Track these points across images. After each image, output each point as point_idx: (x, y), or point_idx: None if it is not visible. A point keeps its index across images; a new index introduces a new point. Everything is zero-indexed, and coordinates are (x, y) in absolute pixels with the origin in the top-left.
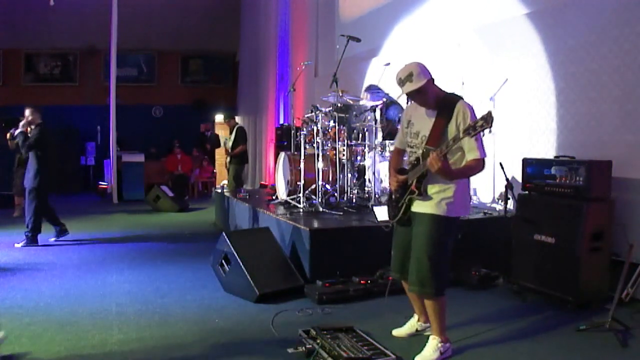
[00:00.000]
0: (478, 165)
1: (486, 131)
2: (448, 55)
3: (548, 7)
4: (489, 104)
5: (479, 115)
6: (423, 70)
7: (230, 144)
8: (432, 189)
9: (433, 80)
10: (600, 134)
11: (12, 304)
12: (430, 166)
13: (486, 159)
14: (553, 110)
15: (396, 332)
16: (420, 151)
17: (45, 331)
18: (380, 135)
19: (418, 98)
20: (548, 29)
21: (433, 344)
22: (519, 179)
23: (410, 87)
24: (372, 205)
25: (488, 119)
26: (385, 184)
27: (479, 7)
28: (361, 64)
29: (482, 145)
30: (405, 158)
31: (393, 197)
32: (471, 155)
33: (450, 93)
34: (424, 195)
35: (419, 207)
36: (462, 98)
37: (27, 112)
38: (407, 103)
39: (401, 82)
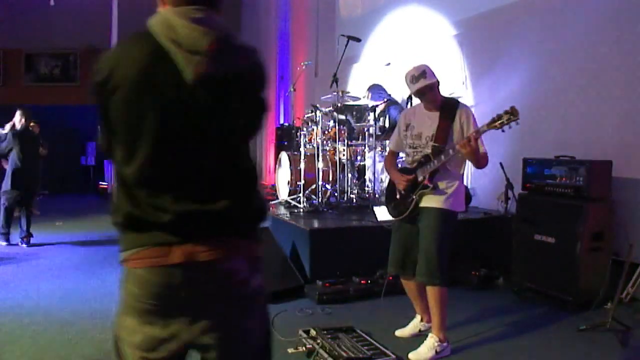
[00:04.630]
0: (486, 157)
1: (512, 124)
2: (449, 55)
3: (549, 7)
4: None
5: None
6: (432, 70)
7: None
8: (439, 185)
9: (439, 82)
10: (600, 134)
11: (12, 304)
12: (464, 147)
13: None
14: (553, 110)
15: (399, 333)
16: (429, 150)
17: (45, 331)
18: (381, 135)
19: (429, 95)
20: (548, 29)
21: (430, 342)
22: (519, 179)
23: (425, 82)
24: (372, 205)
25: (515, 112)
26: (386, 184)
27: (479, 6)
28: (360, 64)
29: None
30: (400, 159)
31: (398, 195)
32: (479, 149)
33: (447, 97)
34: (437, 190)
35: (428, 202)
36: (459, 101)
37: None
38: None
39: (414, 79)
